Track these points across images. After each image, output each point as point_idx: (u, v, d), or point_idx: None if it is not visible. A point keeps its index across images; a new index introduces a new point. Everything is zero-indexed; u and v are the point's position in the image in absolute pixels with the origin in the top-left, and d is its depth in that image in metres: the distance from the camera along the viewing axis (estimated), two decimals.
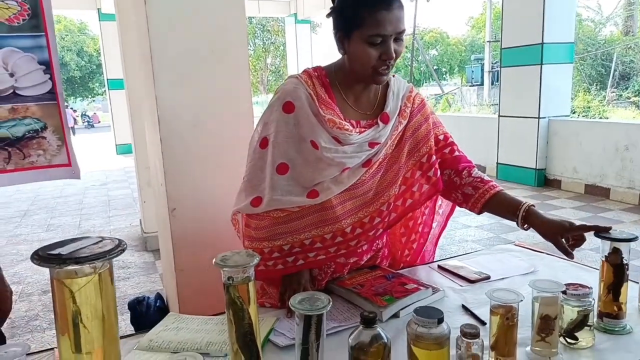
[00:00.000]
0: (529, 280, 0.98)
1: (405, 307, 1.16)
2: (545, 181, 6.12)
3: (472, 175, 1.33)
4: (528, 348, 0.99)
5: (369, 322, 0.81)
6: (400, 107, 1.28)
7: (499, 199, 1.28)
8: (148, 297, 2.34)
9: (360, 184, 1.22)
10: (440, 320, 0.83)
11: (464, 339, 0.86)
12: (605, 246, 1.06)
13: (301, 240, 1.20)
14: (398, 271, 1.40)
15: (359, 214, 1.23)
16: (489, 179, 1.34)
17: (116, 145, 11.72)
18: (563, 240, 1.15)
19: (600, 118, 10.42)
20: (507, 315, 0.90)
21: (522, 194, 5.75)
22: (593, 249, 3.81)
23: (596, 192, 5.55)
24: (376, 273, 1.33)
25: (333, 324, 1.10)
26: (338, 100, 1.22)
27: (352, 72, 1.21)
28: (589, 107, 14.69)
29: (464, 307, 1.20)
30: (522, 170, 6.24)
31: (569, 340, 1.00)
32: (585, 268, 1.41)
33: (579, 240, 1.15)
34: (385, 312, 1.13)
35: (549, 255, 1.52)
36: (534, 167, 6.08)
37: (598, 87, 17.19)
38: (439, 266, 1.45)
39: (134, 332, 1.77)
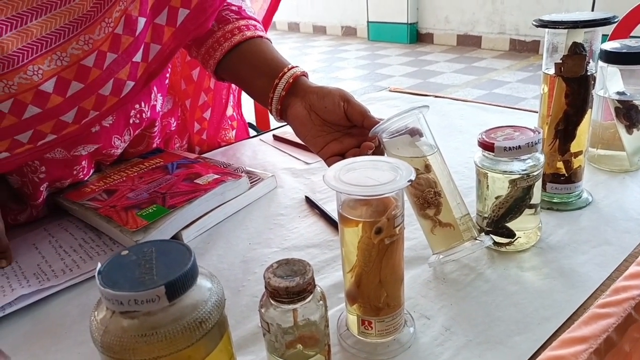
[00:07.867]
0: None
1: (195, 221, 0.60)
2: (417, 36, 5.76)
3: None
4: (431, 257, 0.49)
5: None
6: None
7: (255, 48, 0.64)
8: None
9: None
10: None
11: (274, 303, 0.32)
12: (556, 40, 0.54)
13: None
14: (203, 155, 0.81)
15: (70, 49, 0.53)
16: (253, 14, 0.69)
17: None
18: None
19: None
20: (377, 226, 0.36)
21: (395, 53, 5.35)
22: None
23: (468, 42, 5.31)
24: (152, 163, 0.72)
25: (27, 287, 0.50)
26: None
27: None
28: None
29: (308, 200, 0.66)
30: (394, 26, 5.78)
31: (497, 238, 0.51)
32: (492, 108, 0.93)
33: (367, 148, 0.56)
34: (142, 241, 0.54)
35: (437, 97, 1.02)
36: (406, 21, 5.65)
37: None
38: (275, 137, 0.89)
39: None
